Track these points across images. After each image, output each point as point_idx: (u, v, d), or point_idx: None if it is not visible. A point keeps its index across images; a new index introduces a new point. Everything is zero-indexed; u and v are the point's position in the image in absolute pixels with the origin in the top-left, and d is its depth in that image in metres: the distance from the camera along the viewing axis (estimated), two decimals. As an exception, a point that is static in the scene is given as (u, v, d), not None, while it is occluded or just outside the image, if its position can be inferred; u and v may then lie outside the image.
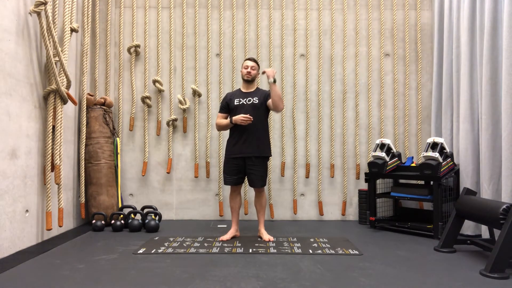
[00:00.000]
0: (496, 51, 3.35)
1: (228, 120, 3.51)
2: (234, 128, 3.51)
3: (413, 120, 4.60)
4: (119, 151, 4.36)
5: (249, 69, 3.53)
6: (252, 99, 3.50)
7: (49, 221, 3.32)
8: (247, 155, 3.46)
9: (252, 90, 3.59)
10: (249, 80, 3.55)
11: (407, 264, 2.80)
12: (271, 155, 3.64)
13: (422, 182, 4.12)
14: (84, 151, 4.08)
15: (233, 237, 3.57)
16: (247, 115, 3.37)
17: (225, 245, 3.30)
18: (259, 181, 3.51)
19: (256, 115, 3.45)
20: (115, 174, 4.30)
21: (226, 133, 4.55)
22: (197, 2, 4.58)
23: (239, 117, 3.38)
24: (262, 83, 4.55)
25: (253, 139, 3.45)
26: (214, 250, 3.15)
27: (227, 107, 3.58)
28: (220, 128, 3.62)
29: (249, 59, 3.61)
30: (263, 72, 3.44)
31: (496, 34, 3.34)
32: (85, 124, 4.12)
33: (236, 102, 3.53)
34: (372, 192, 4.13)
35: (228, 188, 4.54)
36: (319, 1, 4.60)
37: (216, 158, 4.54)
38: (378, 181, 4.24)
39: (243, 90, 3.60)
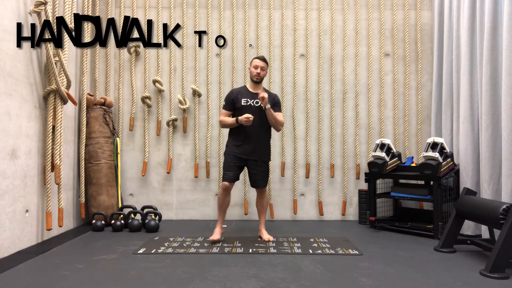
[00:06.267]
0: (496, 51, 3.35)
1: (233, 119, 3.39)
2: (240, 128, 3.40)
3: (413, 120, 4.60)
4: (119, 151, 4.36)
5: (259, 70, 3.42)
6: (255, 101, 3.44)
7: (49, 221, 3.32)
8: (252, 158, 3.43)
9: (259, 91, 3.48)
10: (258, 81, 3.47)
11: (407, 264, 2.80)
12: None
13: (422, 182, 4.12)
14: (84, 151, 4.08)
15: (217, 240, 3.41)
16: (250, 116, 3.28)
17: (225, 245, 3.30)
18: (263, 182, 3.53)
19: (263, 118, 3.42)
20: (115, 174, 4.30)
21: (226, 132, 4.56)
22: (197, 2, 4.58)
23: (243, 118, 3.29)
24: (264, 83, 4.55)
25: (259, 142, 3.44)
26: (214, 250, 3.15)
27: (232, 104, 3.45)
28: (225, 126, 3.51)
29: (259, 58, 3.47)
30: (261, 97, 3.35)
31: (496, 34, 3.33)
32: (85, 124, 4.12)
33: (243, 102, 3.42)
34: (372, 192, 4.13)
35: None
36: (319, 1, 4.60)
37: (216, 158, 4.54)
38: (378, 181, 4.24)
39: (251, 90, 3.48)
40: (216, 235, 3.40)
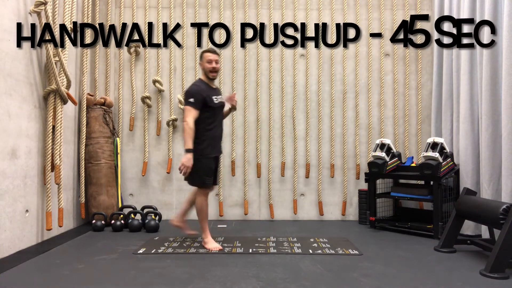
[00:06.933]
0: (496, 51, 3.35)
1: (190, 144, 3.05)
2: (214, 125, 3.21)
3: (413, 120, 4.60)
4: (119, 151, 4.36)
5: (213, 64, 3.16)
6: (221, 99, 3.31)
7: (49, 221, 3.32)
8: (219, 156, 3.36)
9: (215, 87, 3.34)
10: (214, 77, 3.26)
11: (407, 264, 2.80)
12: None
13: (422, 182, 4.12)
14: (84, 151, 4.08)
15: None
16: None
17: (225, 245, 3.30)
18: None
19: (222, 116, 3.37)
20: (115, 174, 4.30)
21: (226, 133, 4.56)
22: (197, 2, 4.58)
23: (187, 165, 3.04)
24: (264, 83, 4.56)
25: (221, 139, 3.39)
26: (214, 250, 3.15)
27: (203, 103, 3.12)
28: (188, 132, 3.05)
29: (210, 51, 3.20)
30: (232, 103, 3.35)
31: (497, 34, 3.33)
32: (85, 124, 4.12)
33: (215, 101, 3.19)
34: (372, 192, 4.13)
35: (228, 187, 4.55)
36: (319, 1, 4.60)
37: (216, 158, 4.54)
38: (378, 181, 4.24)
39: (212, 87, 3.27)
40: (216, 243, 3.24)
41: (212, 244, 3.20)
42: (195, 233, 3.51)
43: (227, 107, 3.42)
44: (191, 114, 3.07)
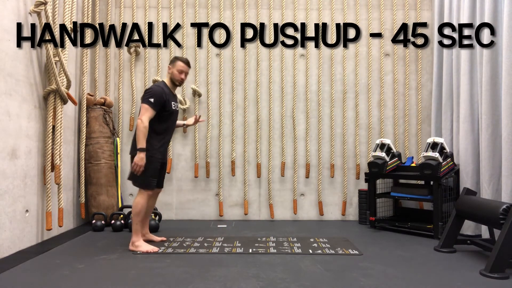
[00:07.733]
0: (496, 51, 3.35)
1: (144, 141, 3.03)
2: (165, 130, 3.23)
3: (413, 120, 4.60)
4: (119, 151, 4.36)
5: (183, 76, 3.25)
6: (177, 105, 3.36)
7: (49, 221, 3.32)
8: (165, 161, 3.36)
9: (175, 94, 3.37)
10: (179, 85, 3.32)
11: (407, 264, 2.80)
12: None
13: (422, 182, 4.12)
14: (84, 151, 4.08)
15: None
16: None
17: (225, 245, 3.30)
18: None
19: (175, 123, 3.39)
20: (115, 174, 4.30)
21: (226, 133, 4.56)
22: (197, 2, 4.58)
23: (140, 164, 3.02)
24: (264, 83, 4.56)
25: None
26: (214, 250, 3.15)
27: (162, 106, 3.12)
28: (142, 132, 3.01)
29: (184, 62, 3.25)
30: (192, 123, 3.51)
31: (496, 34, 3.34)
32: (85, 124, 4.12)
33: (173, 106, 3.23)
34: (372, 192, 4.13)
35: (228, 187, 4.55)
36: (319, 1, 4.60)
37: (216, 158, 4.54)
38: (378, 181, 4.24)
39: (173, 93, 3.30)
40: (150, 246, 3.13)
41: (146, 247, 3.10)
42: (163, 238, 3.47)
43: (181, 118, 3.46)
44: (148, 114, 3.06)
